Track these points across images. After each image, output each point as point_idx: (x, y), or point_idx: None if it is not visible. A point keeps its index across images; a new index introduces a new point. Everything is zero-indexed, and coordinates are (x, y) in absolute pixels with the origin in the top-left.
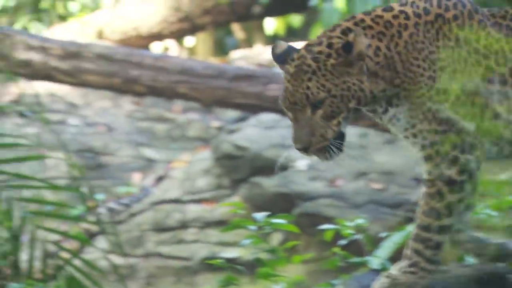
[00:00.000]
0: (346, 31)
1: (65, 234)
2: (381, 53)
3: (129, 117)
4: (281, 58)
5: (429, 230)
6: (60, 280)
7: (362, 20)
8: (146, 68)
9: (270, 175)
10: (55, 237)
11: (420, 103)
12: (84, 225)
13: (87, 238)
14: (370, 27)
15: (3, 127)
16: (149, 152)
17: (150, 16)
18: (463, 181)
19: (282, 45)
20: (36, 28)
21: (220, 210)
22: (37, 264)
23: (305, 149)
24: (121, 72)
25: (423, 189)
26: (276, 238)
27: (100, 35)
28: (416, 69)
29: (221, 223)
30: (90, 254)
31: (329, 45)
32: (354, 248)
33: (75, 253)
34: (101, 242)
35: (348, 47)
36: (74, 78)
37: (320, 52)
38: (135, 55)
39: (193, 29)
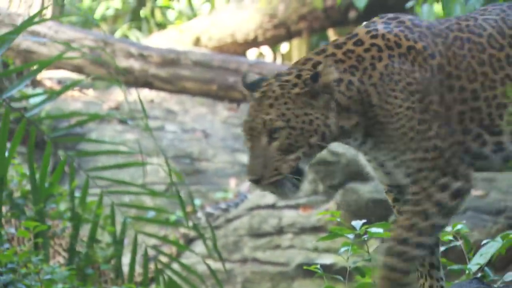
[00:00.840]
0: (316, 65)
1: (164, 239)
2: (354, 87)
3: (225, 123)
4: (251, 85)
5: (407, 244)
6: (159, 284)
7: (333, 54)
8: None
9: (365, 181)
10: (154, 241)
11: (400, 135)
12: (183, 230)
13: (185, 243)
14: (342, 61)
15: (104, 134)
16: (245, 158)
17: (246, 23)
18: (453, 207)
19: (252, 76)
20: (135, 36)
21: (316, 216)
22: (138, 268)
23: (257, 181)
24: (218, 79)
25: (403, 208)
26: (372, 245)
27: (197, 42)
28: (393, 100)
29: (316, 229)
30: (189, 258)
31: (298, 76)
32: (453, 255)
33: (174, 258)
34: (199, 247)
35: (315, 77)
36: (172, 85)
37: (287, 81)
38: (231, 61)
39: (289, 35)
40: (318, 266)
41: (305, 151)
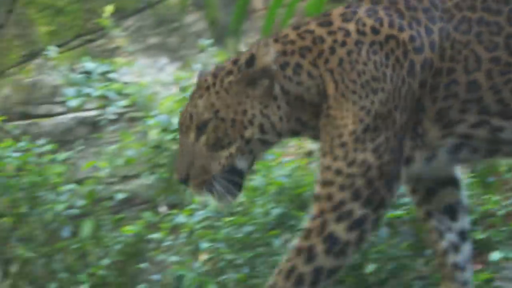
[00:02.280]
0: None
1: None
2: (302, 70)
3: None
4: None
5: None
6: None
7: (286, 36)
8: None
9: None
10: None
11: (336, 135)
12: None
13: None
14: (292, 42)
15: None
16: None
17: None
18: (348, 242)
19: (205, 72)
20: None
21: None
22: None
23: (184, 181)
24: None
25: (293, 241)
26: None
27: None
28: (350, 94)
29: None
30: None
31: (234, 62)
32: None
33: None
34: None
35: (249, 61)
36: None
37: (221, 68)
38: None
39: None
40: None
41: (240, 146)
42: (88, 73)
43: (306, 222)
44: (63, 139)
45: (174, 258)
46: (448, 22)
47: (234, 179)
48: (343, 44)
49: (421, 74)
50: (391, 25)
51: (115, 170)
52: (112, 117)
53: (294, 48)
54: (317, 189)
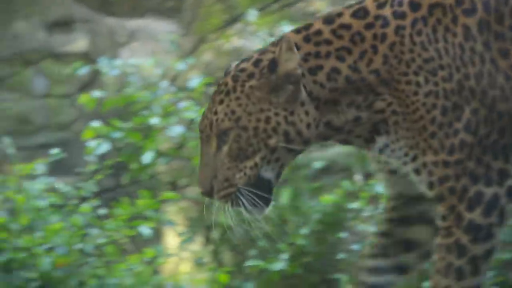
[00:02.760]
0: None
1: None
2: (340, 76)
3: None
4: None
5: None
6: None
7: (318, 33)
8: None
9: None
10: None
11: (419, 128)
12: None
13: None
14: (328, 42)
15: None
16: None
17: None
18: (491, 224)
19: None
20: None
21: None
22: None
23: (209, 194)
24: None
25: (437, 240)
26: None
27: None
28: (406, 86)
29: None
30: None
31: (256, 63)
32: None
33: None
34: None
35: (272, 66)
36: None
37: (242, 70)
38: None
39: None
40: None
41: (265, 156)
42: None
43: (440, 222)
44: None
45: (373, 229)
46: None
47: (262, 190)
48: (383, 38)
49: (480, 36)
50: None
51: None
52: None
53: (330, 49)
54: (436, 189)
